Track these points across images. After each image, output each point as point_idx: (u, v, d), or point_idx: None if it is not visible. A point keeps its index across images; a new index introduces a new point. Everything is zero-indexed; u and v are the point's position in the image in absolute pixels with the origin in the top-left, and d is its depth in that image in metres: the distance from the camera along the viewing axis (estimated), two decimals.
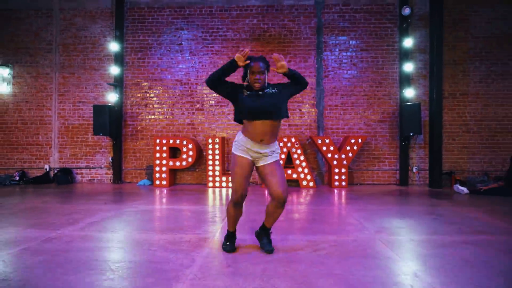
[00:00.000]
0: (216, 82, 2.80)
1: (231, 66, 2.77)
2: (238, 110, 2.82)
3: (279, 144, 7.15)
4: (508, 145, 7.67)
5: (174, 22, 8.09)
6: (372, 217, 4.32)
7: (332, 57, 7.92)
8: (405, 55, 7.63)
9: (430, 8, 7.43)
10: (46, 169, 8.10)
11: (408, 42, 7.53)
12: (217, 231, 3.68)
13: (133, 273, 2.46)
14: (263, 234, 3.02)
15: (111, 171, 8.09)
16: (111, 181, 8.05)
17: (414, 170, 7.69)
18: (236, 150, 2.85)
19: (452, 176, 7.37)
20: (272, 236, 3.19)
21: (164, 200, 5.89)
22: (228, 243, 2.99)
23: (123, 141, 8.09)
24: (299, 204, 5.42)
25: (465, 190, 6.43)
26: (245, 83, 2.83)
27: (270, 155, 2.82)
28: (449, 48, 7.71)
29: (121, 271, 2.49)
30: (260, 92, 2.73)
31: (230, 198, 2.92)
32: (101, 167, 8.13)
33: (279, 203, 2.81)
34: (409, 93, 7.51)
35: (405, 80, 7.62)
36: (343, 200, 5.85)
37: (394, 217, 4.38)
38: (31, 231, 3.61)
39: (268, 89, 2.77)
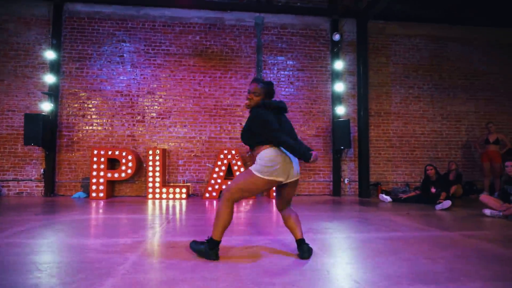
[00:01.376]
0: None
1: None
2: None
3: (219, 157, 7.38)
4: (425, 159, 8.63)
5: (116, 34, 8.08)
6: (303, 221, 4.65)
7: (271, 75, 8.41)
8: (336, 76, 8.36)
9: (357, 36, 8.28)
10: None
11: (338, 65, 8.28)
12: (155, 235, 3.75)
13: (62, 272, 2.45)
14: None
15: (42, 184, 7.67)
16: (42, 194, 7.61)
17: (346, 181, 8.32)
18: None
19: (378, 186, 8.10)
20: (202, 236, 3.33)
21: (101, 210, 5.75)
22: (213, 250, 2.74)
23: (57, 152, 7.75)
24: (239, 212, 5.63)
25: (388, 198, 7.10)
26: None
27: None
28: (374, 71, 8.61)
29: (49, 270, 2.47)
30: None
31: (228, 199, 2.73)
32: (31, 180, 7.68)
33: (220, 199, 2.83)
34: (340, 110, 8.21)
35: (337, 98, 8.32)
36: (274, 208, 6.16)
37: (323, 220, 4.76)
38: None
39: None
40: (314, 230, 4.02)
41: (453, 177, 7.74)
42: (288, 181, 2.75)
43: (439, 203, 6.05)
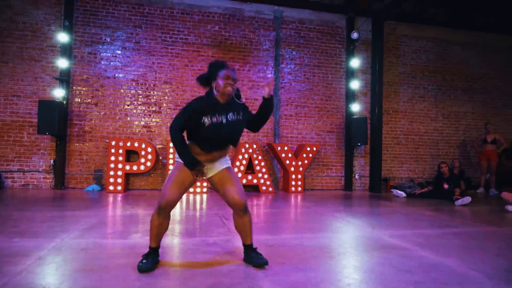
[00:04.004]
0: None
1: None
2: (192, 132, 2.56)
3: (240, 150, 7.34)
4: (427, 156, 9.12)
5: (132, 19, 7.69)
6: (357, 215, 4.80)
7: (288, 69, 8.44)
8: (351, 73, 8.55)
9: (372, 35, 8.49)
10: None
11: (354, 63, 8.46)
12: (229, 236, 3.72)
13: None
14: (249, 252, 2.66)
15: (50, 176, 7.22)
16: (51, 186, 7.17)
17: (357, 176, 8.60)
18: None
19: (388, 182, 8.46)
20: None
21: (140, 204, 5.54)
22: (144, 260, 2.49)
23: (68, 142, 7.31)
24: (275, 208, 5.68)
25: (403, 194, 7.46)
26: (206, 88, 2.57)
27: (220, 163, 2.64)
28: (384, 70, 8.87)
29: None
30: (224, 120, 2.49)
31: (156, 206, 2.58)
32: (38, 171, 7.20)
33: (241, 211, 2.58)
34: (355, 107, 8.43)
35: (351, 96, 8.53)
36: (308, 202, 6.27)
37: (366, 215, 4.94)
38: (26, 240, 3.16)
39: (231, 113, 2.52)
40: (385, 226, 4.15)
41: (457, 174, 8.27)
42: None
43: (457, 199, 6.46)
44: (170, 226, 2.76)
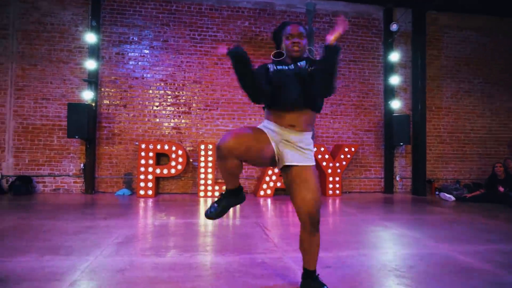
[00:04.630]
0: (255, 89, 2.05)
1: (242, 61, 2.01)
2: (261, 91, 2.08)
3: None
4: (474, 155, 8.43)
5: (159, 17, 7.43)
6: (411, 224, 4.32)
7: None
8: (390, 68, 7.98)
9: (413, 26, 7.89)
10: None
11: (394, 57, 7.89)
12: None
13: None
14: (309, 280, 2.25)
15: (81, 180, 7.07)
16: (82, 191, 7.02)
17: (398, 178, 8.04)
18: (260, 125, 2.22)
19: (433, 184, 7.86)
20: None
21: (172, 211, 5.25)
22: (215, 204, 2.23)
23: (97, 145, 7.13)
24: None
25: (451, 197, 6.86)
26: (274, 58, 2.25)
27: (302, 151, 2.13)
28: (426, 64, 8.26)
29: None
30: (292, 66, 2.11)
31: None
32: (68, 175, 7.06)
33: (312, 226, 2.12)
34: (395, 104, 7.86)
35: (390, 92, 7.96)
36: (350, 208, 5.80)
37: (433, 226, 4.44)
38: (59, 258, 2.89)
39: (304, 66, 2.11)
40: (450, 239, 3.66)
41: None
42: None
43: None
44: (205, 240, 2.38)
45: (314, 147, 2.31)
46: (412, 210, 5.83)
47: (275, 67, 2.16)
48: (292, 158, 2.12)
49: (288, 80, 2.08)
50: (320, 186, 2.19)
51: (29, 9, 7.03)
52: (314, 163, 2.20)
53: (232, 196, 2.24)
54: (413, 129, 7.76)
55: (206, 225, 4.35)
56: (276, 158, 2.18)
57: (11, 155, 6.93)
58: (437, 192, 7.48)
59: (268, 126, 2.19)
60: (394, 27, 7.73)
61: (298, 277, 2.41)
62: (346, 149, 7.31)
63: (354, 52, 8.07)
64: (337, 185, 7.24)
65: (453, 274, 2.66)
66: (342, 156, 7.26)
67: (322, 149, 7.18)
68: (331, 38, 2.01)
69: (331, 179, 7.20)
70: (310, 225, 2.12)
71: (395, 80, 7.91)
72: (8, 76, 6.95)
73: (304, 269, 2.28)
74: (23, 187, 6.63)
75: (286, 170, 2.16)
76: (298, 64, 2.16)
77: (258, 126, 2.25)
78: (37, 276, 2.48)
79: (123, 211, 5.22)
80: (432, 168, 8.22)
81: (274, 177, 6.99)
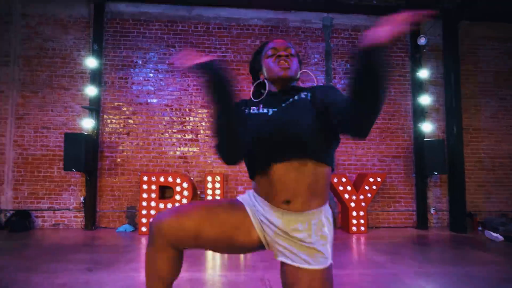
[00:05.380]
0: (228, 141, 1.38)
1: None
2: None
3: None
4: None
5: (164, 38, 6.97)
6: (467, 284, 3.46)
7: (341, 85, 7.21)
8: (419, 86, 7.14)
9: (444, 40, 7.06)
10: None
11: (423, 73, 7.05)
12: None
13: None
14: None
15: (81, 214, 6.58)
16: (82, 226, 6.52)
17: (432, 211, 7.08)
18: (240, 197, 1.60)
19: (475, 218, 6.83)
20: None
21: None
22: None
23: (99, 176, 6.65)
24: (336, 264, 4.43)
25: (499, 237, 5.85)
26: (252, 89, 1.61)
27: (309, 246, 1.38)
28: (461, 81, 7.35)
29: None
30: (270, 110, 1.47)
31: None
32: (68, 209, 6.60)
33: None
34: (427, 127, 6.97)
35: (420, 113, 7.09)
36: (379, 253, 4.95)
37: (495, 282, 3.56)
38: None
39: (294, 97, 1.50)
40: None
41: None
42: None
43: None
44: None
45: (334, 178, 1.56)
46: (454, 257, 4.90)
47: (249, 111, 1.52)
48: (289, 253, 1.41)
49: (268, 125, 1.42)
50: None
51: (31, 34, 6.75)
52: (326, 264, 1.40)
53: None
54: (448, 154, 6.83)
55: (198, 277, 3.66)
56: (264, 242, 1.49)
57: (10, 187, 6.55)
58: (480, 228, 6.49)
59: (252, 200, 1.51)
60: (422, 40, 6.92)
61: None
62: (371, 179, 6.47)
63: None
64: (362, 221, 6.39)
65: None
66: (366, 187, 6.43)
67: (344, 179, 6.38)
68: (378, 37, 1.14)
69: (354, 213, 6.37)
70: None
71: (425, 99, 7.05)
72: (8, 104, 6.64)
73: None
74: (20, 223, 6.20)
75: (285, 266, 1.44)
76: (291, 98, 1.49)
77: (239, 197, 1.58)
78: None
79: (116, 257, 4.61)
80: (472, 199, 7.20)
81: None
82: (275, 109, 1.47)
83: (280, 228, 1.41)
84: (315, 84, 1.65)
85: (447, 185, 6.97)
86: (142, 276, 3.99)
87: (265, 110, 1.48)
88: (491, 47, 7.59)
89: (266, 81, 1.57)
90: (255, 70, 1.64)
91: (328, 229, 1.46)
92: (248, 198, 1.55)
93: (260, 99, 1.55)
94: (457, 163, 6.65)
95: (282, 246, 1.42)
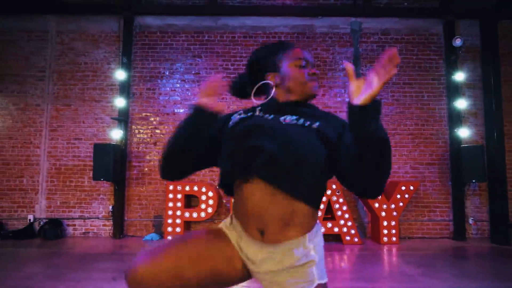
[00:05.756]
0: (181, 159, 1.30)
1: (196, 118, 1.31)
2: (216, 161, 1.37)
3: None
4: None
5: (191, 48, 7.05)
6: None
7: None
8: (455, 90, 6.76)
9: (482, 40, 6.68)
10: (29, 220, 6.63)
11: (459, 76, 6.67)
12: None
13: None
14: None
15: (109, 222, 6.69)
16: (110, 234, 6.63)
17: (471, 221, 6.62)
18: (221, 224, 1.41)
19: None
20: None
21: None
22: None
23: (127, 185, 6.76)
24: (362, 278, 4.18)
25: None
26: (257, 101, 1.42)
27: (293, 267, 1.22)
28: (501, 83, 6.90)
29: None
30: (270, 119, 1.32)
31: None
32: (98, 218, 6.73)
33: None
34: (464, 133, 6.57)
35: (456, 118, 6.70)
36: (411, 266, 4.64)
37: None
38: None
39: (295, 116, 1.31)
40: None
41: None
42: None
43: None
44: None
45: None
46: (494, 271, 4.51)
47: (240, 116, 1.35)
48: (271, 284, 1.24)
49: (258, 136, 1.23)
50: None
51: (64, 50, 7.04)
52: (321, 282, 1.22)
53: None
54: (488, 161, 6.38)
55: None
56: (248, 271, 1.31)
57: (44, 197, 6.78)
58: None
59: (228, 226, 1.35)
60: (458, 41, 6.57)
61: None
62: (404, 187, 6.15)
63: (409, 74, 7.00)
64: (393, 231, 6.06)
65: None
66: (398, 196, 6.11)
67: None
68: (370, 90, 1.09)
69: (385, 223, 6.06)
70: None
71: (461, 103, 6.66)
72: (43, 117, 6.93)
73: None
74: (53, 231, 6.39)
75: None
76: (304, 111, 1.34)
77: (220, 225, 1.40)
78: None
79: None
80: None
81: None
82: (280, 118, 1.30)
83: (256, 260, 1.24)
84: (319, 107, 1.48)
85: (487, 193, 6.50)
86: None
87: (266, 116, 1.34)
88: None
89: (274, 85, 1.41)
90: (262, 67, 1.45)
91: (315, 247, 1.25)
92: (228, 222, 1.38)
93: (261, 103, 1.40)
94: (498, 170, 6.20)
95: (269, 280, 1.25)
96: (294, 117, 1.29)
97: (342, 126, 1.28)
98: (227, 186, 1.33)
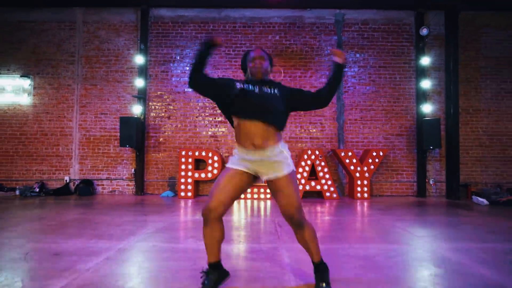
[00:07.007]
0: (197, 77, 2.39)
1: (205, 48, 2.40)
2: (227, 106, 2.45)
3: (303, 157, 7.34)
4: None
5: (198, 37, 8.27)
6: (425, 225, 4.51)
7: (352, 73, 8.22)
8: (422, 72, 8.00)
9: (446, 29, 7.85)
10: (66, 180, 8.03)
11: (425, 61, 7.91)
12: None
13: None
14: (315, 271, 2.44)
15: (132, 183, 8.09)
16: (133, 192, 8.03)
17: (431, 182, 7.98)
18: (228, 163, 2.43)
19: (468, 188, 7.69)
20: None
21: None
22: (205, 281, 2.34)
23: (146, 152, 8.12)
24: (336, 215, 5.58)
25: (484, 201, 6.72)
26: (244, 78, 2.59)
27: (272, 165, 2.32)
28: (462, 66, 8.09)
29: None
30: (256, 89, 2.41)
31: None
32: (122, 179, 8.12)
33: (294, 225, 2.36)
34: (427, 108, 7.86)
35: (422, 96, 7.98)
36: (372, 210, 6.02)
37: (444, 225, 4.59)
38: (101, 241, 3.65)
39: (267, 88, 2.44)
40: (451, 239, 3.86)
41: None
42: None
43: None
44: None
45: (342, 153, 2.58)
46: (433, 213, 5.87)
47: (242, 85, 2.49)
48: (266, 174, 2.35)
49: (255, 99, 2.41)
50: (298, 190, 2.40)
51: (90, 38, 8.27)
52: (289, 171, 2.34)
53: (215, 271, 2.37)
54: (446, 132, 7.69)
55: (228, 220, 4.94)
56: (255, 175, 2.45)
57: (77, 161, 8.15)
58: (473, 196, 7.33)
59: (235, 158, 2.41)
60: (424, 31, 7.79)
61: (283, 260, 2.88)
62: (374, 154, 7.49)
63: (384, 58, 8.22)
64: (365, 189, 7.43)
65: (426, 262, 2.94)
66: (370, 160, 7.46)
67: (350, 153, 7.44)
68: (339, 58, 2.41)
69: (359, 182, 7.43)
70: (293, 224, 2.37)
71: (426, 84, 7.92)
72: (74, 95, 8.22)
73: (312, 263, 2.45)
74: (86, 189, 7.78)
75: (268, 182, 2.46)
76: (263, 89, 2.48)
77: (227, 165, 2.50)
78: (82, 252, 3.24)
79: (162, 210, 6.01)
80: (470, 172, 8.03)
81: (303, 181, 7.39)
82: (257, 90, 2.43)
83: (256, 159, 2.35)
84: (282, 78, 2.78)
85: (445, 159, 7.82)
86: (181, 218, 5.33)
87: (254, 87, 2.50)
88: (493, 35, 8.27)
89: (249, 75, 2.56)
90: (243, 65, 2.64)
91: (286, 151, 2.48)
92: (234, 157, 2.43)
93: (243, 85, 2.47)
94: (453, 139, 7.50)
95: (264, 170, 2.43)
96: (268, 89, 2.56)
97: (289, 90, 2.58)
98: (232, 122, 2.64)
